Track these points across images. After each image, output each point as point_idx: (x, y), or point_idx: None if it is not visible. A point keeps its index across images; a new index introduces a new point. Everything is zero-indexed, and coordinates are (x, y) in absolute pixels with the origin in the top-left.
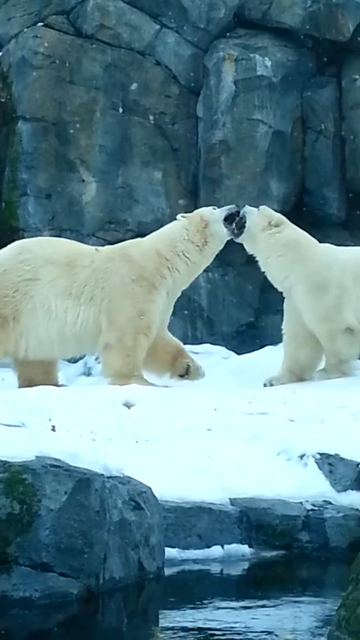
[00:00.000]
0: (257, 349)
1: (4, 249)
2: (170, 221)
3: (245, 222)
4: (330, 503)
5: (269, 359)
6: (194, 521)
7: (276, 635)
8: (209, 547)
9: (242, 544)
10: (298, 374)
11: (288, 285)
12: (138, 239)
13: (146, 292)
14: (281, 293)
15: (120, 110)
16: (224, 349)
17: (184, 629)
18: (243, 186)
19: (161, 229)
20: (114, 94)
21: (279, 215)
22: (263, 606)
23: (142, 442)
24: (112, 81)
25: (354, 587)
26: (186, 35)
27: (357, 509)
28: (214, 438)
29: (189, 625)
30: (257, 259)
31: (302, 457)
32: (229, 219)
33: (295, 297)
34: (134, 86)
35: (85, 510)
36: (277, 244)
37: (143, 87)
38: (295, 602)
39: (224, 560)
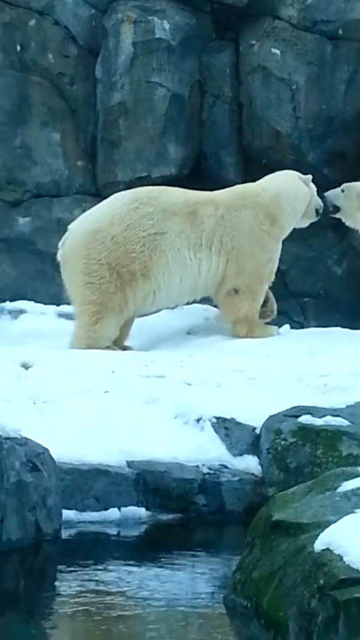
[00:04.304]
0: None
1: (113, 201)
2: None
3: (333, 207)
4: (226, 467)
5: (168, 322)
6: (91, 483)
7: (172, 598)
8: (106, 509)
9: (139, 506)
10: None
11: None
12: (258, 185)
13: (274, 241)
14: None
15: (19, 69)
16: None
17: (80, 590)
18: (141, 149)
19: (292, 185)
20: (12, 53)
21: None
22: (159, 569)
23: (40, 404)
24: (10, 40)
25: (249, 551)
26: None
27: (252, 473)
28: (112, 400)
29: (86, 587)
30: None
31: (198, 420)
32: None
33: None
34: (32, 46)
35: None
36: None
37: (41, 47)
38: (191, 565)
39: (120, 522)
